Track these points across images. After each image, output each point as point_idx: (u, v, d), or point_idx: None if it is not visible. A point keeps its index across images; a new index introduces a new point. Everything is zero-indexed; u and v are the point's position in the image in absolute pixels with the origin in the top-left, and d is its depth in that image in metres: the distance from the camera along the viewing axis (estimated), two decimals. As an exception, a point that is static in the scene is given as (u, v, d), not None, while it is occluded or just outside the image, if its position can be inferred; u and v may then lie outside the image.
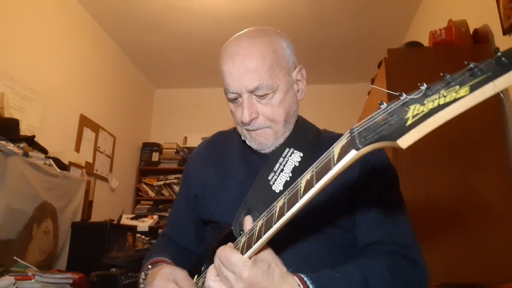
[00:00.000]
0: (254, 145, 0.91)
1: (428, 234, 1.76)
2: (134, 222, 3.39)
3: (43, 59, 2.99)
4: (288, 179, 0.85)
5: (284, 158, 0.89)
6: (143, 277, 0.89)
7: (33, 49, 2.87)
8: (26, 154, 2.12)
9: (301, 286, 0.65)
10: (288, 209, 0.57)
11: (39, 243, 2.16)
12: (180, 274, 0.80)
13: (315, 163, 0.57)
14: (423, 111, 0.43)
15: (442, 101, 0.42)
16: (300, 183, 0.58)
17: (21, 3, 2.75)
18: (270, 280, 0.62)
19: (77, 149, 3.38)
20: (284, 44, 0.91)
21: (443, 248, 1.75)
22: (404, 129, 0.44)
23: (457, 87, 0.42)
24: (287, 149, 0.90)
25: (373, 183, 0.86)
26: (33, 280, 1.66)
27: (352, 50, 4.12)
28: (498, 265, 1.69)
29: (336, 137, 0.99)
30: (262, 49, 0.85)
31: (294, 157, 0.89)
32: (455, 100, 0.42)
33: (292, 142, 0.91)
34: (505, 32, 1.91)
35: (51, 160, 2.40)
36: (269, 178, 0.86)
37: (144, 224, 3.39)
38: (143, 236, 3.14)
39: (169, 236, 1.07)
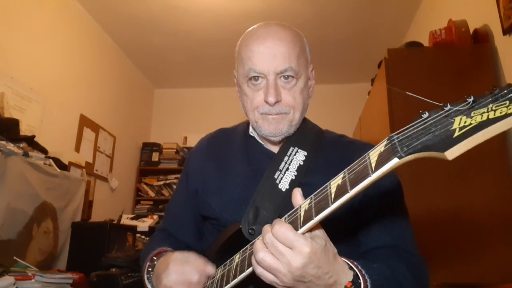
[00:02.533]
0: (267, 131, 0.88)
1: (429, 234, 1.76)
2: (134, 222, 3.38)
3: (43, 59, 2.99)
4: (294, 177, 0.86)
5: (289, 157, 0.89)
6: (149, 268, 0.88)
7: (33, 49, 2.87)
8: (26, 154, 2.12)
9: (354, 268, 0.65)
10: (318, 213, 0.57)
11: (39, 243, 2.16)
12: (192, 256, 0.80)
13: (347, 168, 0.57)
14: (471, 123, 0.43)
15: (492, 115, 0.42)
16: (330, 188, 0.58)
17: (21, 3, 2.75)
18: (326, 257, 0.60)
19: (77, 149, 3.38)
20: (305, 40, 0.94)
21: (443, 248, 1.75)
22: (452, 141, 0.44)
23: (507, 102, 0.42)
24: (291, 148, 0.91)
25: (380, 190, 0.86)
26: (33, 280, 1.65)
27: (352, 50, 4.12)
28: (498, 265, 1.70)
29: (338, 137, 1.00)
30: (292, 36, 0.88)
31: (299, 156, 0.89)
32: (506, 115, 0.42)
33: (296, 141, 0.92)
34: (505, 32, 1.91)
35: (51, 160, 2.40)
36: (275, 177, 0.86)
37: (144, 224, 3.39)
38: (143, 236, 3.14)
39: (168, 231, 1.06)
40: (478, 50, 2.04)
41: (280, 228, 0.59)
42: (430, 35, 2.21)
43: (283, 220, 0.64)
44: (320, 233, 0.62)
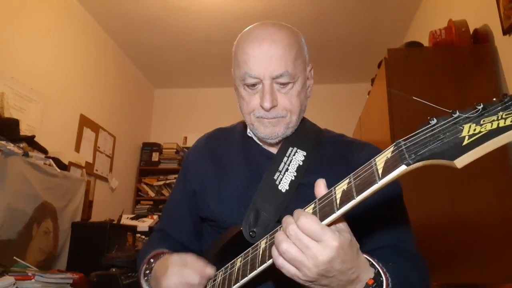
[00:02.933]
0: (262, 133, 0.87)
1: (430, 235, 1.76)
2: (134, 222, 3.38)
3: (43, 59, 2.99)
4: (293, 178, 0.85)
5: (288, 157, 0.88)
6: (147, 271, 0.87)
7: (33, 49, 2.87)
8: (26, 154, 2.12)
9: (376, 264, 0.63)
10: (322, 219, 0.56)
11: (39, 243, 2.16)
12: (190, 258, 0.78)
13: (352, 174, 0.56)
14: (480, 131, 0.42)
15: (502, 124, 0.41)
16: (335, 193, 0.57)
17: (22, 4, 2.75)
18: (351, 252, 0.58)
19: (77, 149, 3.38)
20: (303, 39, 0.92)
21: (444, 248, 1.75)
22: (461, 149, 0.43)
23: None
24: (290, 148, 0.89)
25: (380, 191, 0.86)
26: (33, 280, 1.66)
27: (352, 50, 4.12)
28: (498, 265, 1.70)
29: (337, 136, 0.99)
30: (289, 37, 0.85)
31: (298, 156, 0.88)
32: None
33: (295, 141, 0.91)
34: (505, 32, 1.91)
35: (51, 160, 2.40)
36: (275, 178, 0.85)
37: (144, 224, 3.39)
38: (143, 236, 3.14)
39: (165, 231, 1.04)
40: (478, 50, 2.04)
41: (307, 220, 0.56)
42: (430, 35, 2.20)
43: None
44: (345, 226, 0.60)
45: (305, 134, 0.94)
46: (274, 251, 0.61)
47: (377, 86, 2.38)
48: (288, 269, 0.59)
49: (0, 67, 2.54)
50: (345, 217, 0.80)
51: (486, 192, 1.79)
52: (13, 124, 2.24)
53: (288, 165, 0.87)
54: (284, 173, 0.86)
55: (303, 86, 0.88)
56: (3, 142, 1.98)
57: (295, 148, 0.90)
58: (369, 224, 0.84)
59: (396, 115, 1.95)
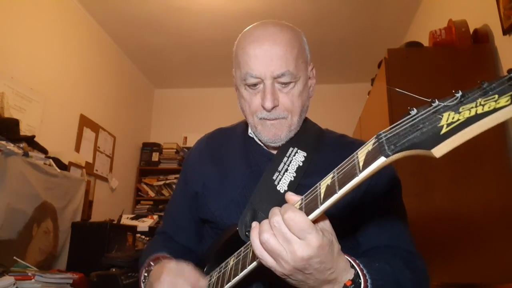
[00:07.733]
0: (265, 137, 0.87)
1: (429, 234, 1.76)
2: (134, 222, 3.38)
3: (43, 59, 2.99)
4: (293, 179, 0.85)
5: (288, 157, 0.88)
6: (145, 274, 0.87)
7: (33, 49, 2.87)
8: (26, 154, 2.12)
9: (355, 266, 0.63)
10: (307, 214, 0.56)
11: (39, 243, 2.16)
12: (187, 268, 0.78)
13: (336, 168, 0.56)
14: (459, 119, 0.42)
15: (480, 110, 0.41)
16: (319, 188, 0.57)
17: (21, 3, 2.75)
18: (331, 253, 0.58)
19: (77, 149, 3.38)
20: (304, 38, 0.91)
21: (443, 247, 1.75)
22: (439, 138, 0.42)
23: (496, 96, 0.40)
24: (291, 148, 0.89)
25: (379, 189, 0.85)
26: (33, 280, 1.66)
27: (352, 50, 4.12)
28: (498, 264, 1.70)
29: (338, 137, 0.98)
30: (290, 37, 0.85)
31: (298, 157, 0.88)
32: (494, 110, 0.40)
33: (296, 141, 0.90)
34: (505, 32, 1.91)
35: (51, 160, 2.40)
36: (274, 178, 0.85)
37: (144, 224, 3.39)
38: (143, 236, 3.14)
39: (168, 234, 1.04)
40: (478, 50, 2.04)
41: (292, 215, 0.55)
42: (430, 35, 2.20)
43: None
44: (327, 226, 0.60)
45: (306, 134, 0.93)
46: (255, 241, 0.60)
47: (377, 86, 2.38)
48: (266, 259, 0.59)
49: (0, 67, 2.54)
50: (341, 217, 0.79)
51: (486, 191, 1.79)
52: (13, 124, 2.24)
53: (288, 166, 0.87)
54: (284, 174, 0.85)
55: (305, 86, 0.88)
56: (3, 142, 1.98)
57: (295, 148, 0.89)
58: (368, 223, 0.84)
59: (396, 115, 1.95)
